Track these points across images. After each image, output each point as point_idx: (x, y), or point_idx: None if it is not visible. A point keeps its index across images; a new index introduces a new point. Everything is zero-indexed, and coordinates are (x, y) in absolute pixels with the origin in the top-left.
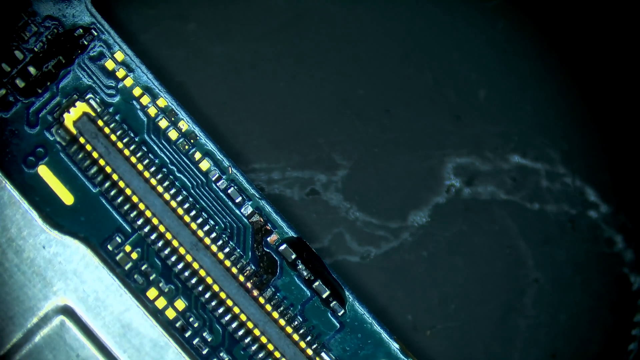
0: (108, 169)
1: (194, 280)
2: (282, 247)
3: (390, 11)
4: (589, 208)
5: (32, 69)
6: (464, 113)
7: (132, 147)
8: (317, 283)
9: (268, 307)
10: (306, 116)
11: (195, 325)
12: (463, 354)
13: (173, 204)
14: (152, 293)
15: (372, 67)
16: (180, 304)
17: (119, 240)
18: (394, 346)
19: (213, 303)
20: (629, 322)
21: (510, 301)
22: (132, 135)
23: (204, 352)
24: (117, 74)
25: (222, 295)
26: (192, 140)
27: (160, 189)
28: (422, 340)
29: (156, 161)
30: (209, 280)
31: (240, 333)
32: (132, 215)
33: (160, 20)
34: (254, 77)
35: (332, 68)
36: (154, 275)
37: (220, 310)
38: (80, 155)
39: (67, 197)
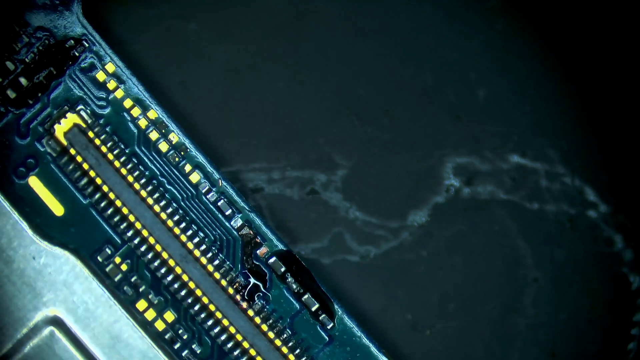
0: (98, 181)
1: (183, 292)
2: (272, 259)
3: (390, 11)
4: (588, 208)
5: (23, 80)
6: (464, 113)
7: (122, 159)
8: (306, 296)
9: (257, 320)
10: (306, 116)
11: (185, 337)
12: (463, 354)
13: (163, 216)
14: (141, 305)
15: (372, 67)
16: (170, 316)
17: (109, 251)
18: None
19: (202, 315)
20: (629, 322)
21: (509, 301)
22: (122, 147)
23: None
24: (108, 85)
25: (212, 307)
26: (182, 153)
27: (150, 200)
28: (422, 340)
29: (146, 173)
30: (199, 292)
31: (229, 345)
32: (122, 226)
33: (161, 20)
34: (254, 77)
35: (332, 68)
36: (143, 287)
37: (210, 323)
38: (70, 167)
39: (57, 208)
